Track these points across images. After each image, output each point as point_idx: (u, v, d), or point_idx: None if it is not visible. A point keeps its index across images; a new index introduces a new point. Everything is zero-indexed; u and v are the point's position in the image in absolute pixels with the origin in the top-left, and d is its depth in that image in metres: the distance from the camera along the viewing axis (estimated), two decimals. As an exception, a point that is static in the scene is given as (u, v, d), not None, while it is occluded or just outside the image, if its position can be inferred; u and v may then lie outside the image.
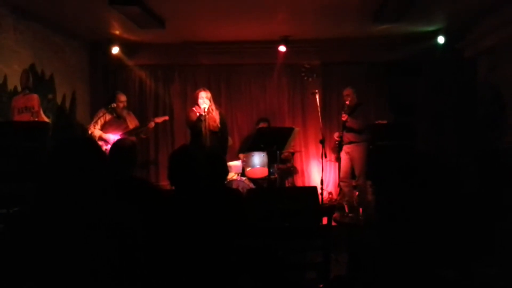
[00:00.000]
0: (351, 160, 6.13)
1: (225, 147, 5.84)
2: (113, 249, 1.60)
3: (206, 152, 4.72)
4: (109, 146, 5.35)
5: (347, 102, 6.18)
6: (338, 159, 6.43)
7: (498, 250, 2.10)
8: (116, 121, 5.95)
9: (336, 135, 6.30)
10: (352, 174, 6.20)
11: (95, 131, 5.85)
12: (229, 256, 2.40)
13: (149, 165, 7.41)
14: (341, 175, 6.32)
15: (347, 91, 6.25)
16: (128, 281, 1.62)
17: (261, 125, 6.77)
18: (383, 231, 2.42)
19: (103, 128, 5.89)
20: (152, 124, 6.05)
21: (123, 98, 6.04)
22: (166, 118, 6.35)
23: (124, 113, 6.06)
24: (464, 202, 2.25)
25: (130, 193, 2.74)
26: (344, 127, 6.11)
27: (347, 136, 6.12)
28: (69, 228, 1.59)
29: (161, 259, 2.09)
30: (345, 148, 6.17)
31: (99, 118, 5.92)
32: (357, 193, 6.14)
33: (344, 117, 6.02)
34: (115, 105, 5.92)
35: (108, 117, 5.94)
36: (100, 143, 5.62)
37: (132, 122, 6.07)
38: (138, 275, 1.65)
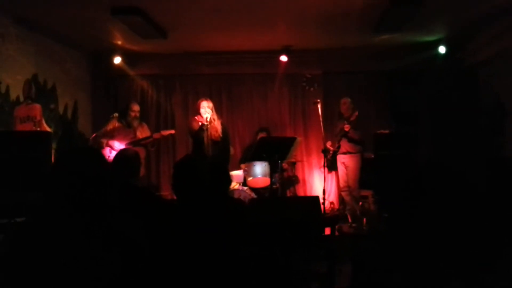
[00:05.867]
0: (346, 170, 6.15)
1: (227, 156, 5.83)
2: (117, 259, 1.59)
3: (209, 161, 4.71)
4: (113, 153, 5.36)
5: (344, 112, 6.21)
6: (331, 168, 6.39)
7: (507, 261, 2.07)
8: (124, 130, 5.93)
9: (329, 144, 6.27)
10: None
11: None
12: (233, 265, 2.38)
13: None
14: (341, 185, 6.35)
15: (344, 100, 6.29)
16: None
17: (261, 135, 6.75)
18: (388, 241, 2.41)
19: (111, 135, 5.86)
20: (157, 136, 6.05)
21: (136, 108, 6.08)
22: (172, 132, 6.28)
23: (135, 123, 6.05)
24: (471, 212, 2.23)
25: (132, 203, 2.73)
26: (345, 137, 6.11)
27: (346, 146, 6.13)
28: (72, 238, 1.58)
29: (165, 269, 2.08)
30: (340, 158, 6.19)
31: (108, 124, 5.92)
32: (360, 203, 6.13)
33: (347, 127, 6.02)
34: (116, 115, 5.94)
35: (117, 124, 5.93)
36: (107, 149, 5.63)
37: (142, 133, 6.06)
38: (142, 285, 1.64)
